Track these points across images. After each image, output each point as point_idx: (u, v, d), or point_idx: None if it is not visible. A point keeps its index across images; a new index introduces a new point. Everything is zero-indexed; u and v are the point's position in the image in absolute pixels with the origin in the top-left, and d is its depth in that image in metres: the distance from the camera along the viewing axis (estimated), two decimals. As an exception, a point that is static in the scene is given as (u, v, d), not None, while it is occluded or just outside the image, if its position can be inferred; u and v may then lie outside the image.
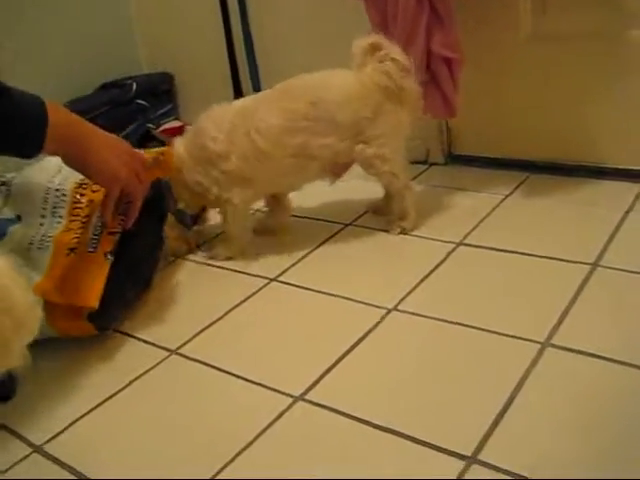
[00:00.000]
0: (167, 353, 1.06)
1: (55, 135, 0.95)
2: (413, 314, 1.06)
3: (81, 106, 1.93)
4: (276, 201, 1.42)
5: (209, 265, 1.33)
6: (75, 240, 1.09)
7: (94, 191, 1.14)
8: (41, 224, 1.12)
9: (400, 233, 1.32)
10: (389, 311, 1.08)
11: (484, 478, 0.75)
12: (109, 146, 1.05)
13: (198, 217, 1.43)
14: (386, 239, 1.32)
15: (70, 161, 1.02)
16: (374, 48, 1.23)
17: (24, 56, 1.89)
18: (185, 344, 1.07)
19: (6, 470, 0.87)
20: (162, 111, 2.04)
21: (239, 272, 1.28)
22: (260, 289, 1.21)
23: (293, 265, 1.27)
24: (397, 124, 1.27)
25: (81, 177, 1.13)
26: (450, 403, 0.87)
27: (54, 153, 1.00)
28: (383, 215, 1.39)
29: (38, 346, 0.72)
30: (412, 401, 0.89)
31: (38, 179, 1.17)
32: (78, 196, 1.14)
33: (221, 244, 1.35)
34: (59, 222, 1.12)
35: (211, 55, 1.97)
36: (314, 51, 1.73)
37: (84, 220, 1.11)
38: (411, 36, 1.33)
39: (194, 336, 1.09)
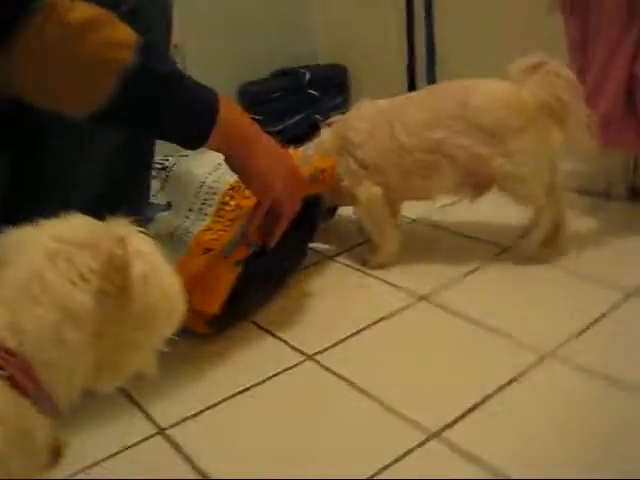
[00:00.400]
0: (302, 357, 1.02)
1: (222, 131, 0.92)
2: (575, 365, 0.95)
3: (254, 89, 1.98)
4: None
5: (358, 270, 1.28)
6: (213, 241, 1.08)
7: (245, 197, 1.12)
8: (187, 217, 1.13)
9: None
10: (545, 356, 0.97)
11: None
12: (272, 156, 1.01)
13: (331, 212, 1.40)
14: (546, 272, 1.20)
15: (230, 160, 0.99)
16: (536, 66, 1.16)
17: (200, 35, 1.92)
18: (322, 352, 1.03)
19: (130, 446, 0.87)
20: (333, 103, 2.02)
21: (388, 283, 1.22)
22: (408, 307, 1.14)
23: (445, 286, 1.18)
24: (547, 143, 1.17)
25: (236, 179, 1.11)
26: None
27: (217, 149, 0.97)
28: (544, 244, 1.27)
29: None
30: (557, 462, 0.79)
31: (195, 172, 1.18)
32: (228, 198, 1.13)
33: (370, 250, 1.30)
34: (203, 220, 1.11)
35: (388, 50, 1.94)
36: (495, 58, 1.63)
37: (227, 223, 1.10)
38: (613, 55, 1.21)
39: (332, 345, 1.05)
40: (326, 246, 1.37)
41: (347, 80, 2.09)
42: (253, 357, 1.04)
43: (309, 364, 1.00)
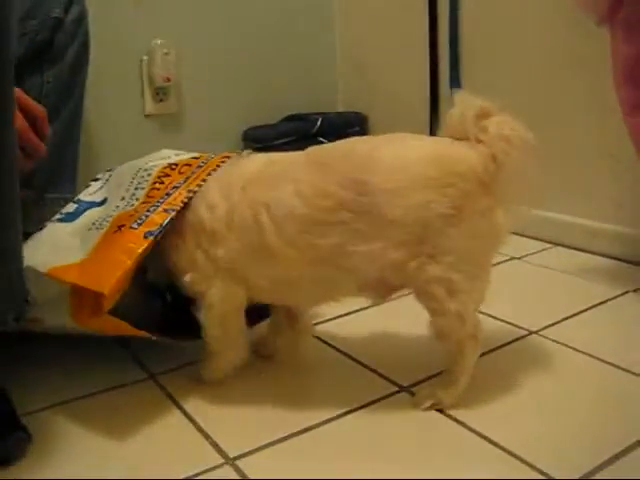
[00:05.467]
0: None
1: None
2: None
3: (258, 133, 1.85)
4: (289, 312, 0.98)
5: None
6: (129, 217, 0.87)
7: (181, 172, 0.92)
8: (117, 206, 0.93)
9: (431, 408, 0.85)
10: None
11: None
12: None
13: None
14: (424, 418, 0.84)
15: None
16: (483, 115, 0.81)
17: (203, 72, 1.82)
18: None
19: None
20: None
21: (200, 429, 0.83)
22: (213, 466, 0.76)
23: (295, 435, 0.81)
24: (491, 233, 0.82)
25: (181, 159, 0.95)
26: None
27: None
28: None
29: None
30: None
31: (139, 162, 0.99)
32: (162, 176, 0.93)
33: (204, 360, 0.92)
34: (132, 205, 0.90)
35: (411, 101, 1.80)
36: (536, 111, 1.52)
37: (154, 203, 0.89)
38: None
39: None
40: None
41: (366, 129, 1.95)
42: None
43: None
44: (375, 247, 0.78)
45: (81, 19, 1.28)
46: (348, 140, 0.86)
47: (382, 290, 0.87)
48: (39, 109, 0.97)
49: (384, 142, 0.83)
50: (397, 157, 0.80)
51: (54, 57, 1.25)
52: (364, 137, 0.88)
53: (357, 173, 0.78)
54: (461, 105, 0.83)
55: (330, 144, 0.88)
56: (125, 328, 0.83)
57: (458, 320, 0.81)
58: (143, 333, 0.85)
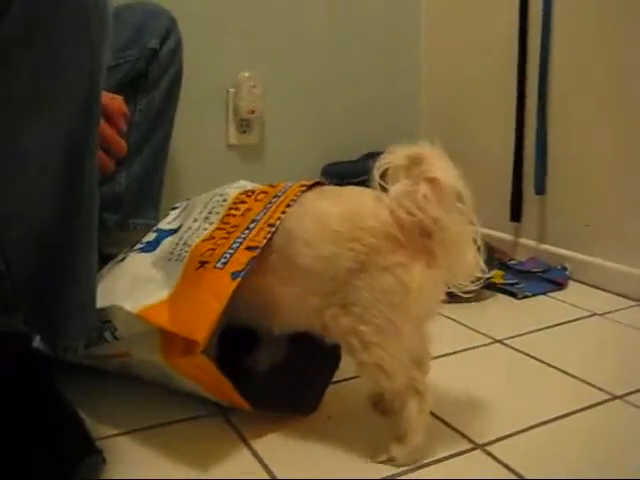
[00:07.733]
0: None
1: None
2: None
3: (335, 170, 1.87)
4: None
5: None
6: (209, 252, 0.86)
7: (258, 200, 0.91)
8: (189, 228, 0.93)
9: (386, 462, 0.82)
10: None
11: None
12: None
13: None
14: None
15: None
16: (413, 162, 0.81)
17: (297, 107, 1.83)
18: None
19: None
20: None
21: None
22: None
23: None
24: (397, 289, 0.79)
25: (257, 186, 0.95)
26: None
27: None
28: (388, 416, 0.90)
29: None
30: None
31: (215, 190, 1.00)
32: (238, 202, 0.93)
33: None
34: (206, 228, 0.91)
35: (496, 150, 1.78)
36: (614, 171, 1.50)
37: (231, 230, 0.88)
38: None
39: None
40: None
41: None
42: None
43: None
44: (293, 291, 0.84)
45: (176, 49, 1.32)
46: (325, 189, 0.91)
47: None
48: (115, 105, 0.98)
49: (329, 195, 0.88)
50: (320, 210, 0.84)
51: (148, 86, 1.29)
52: (330, 188, 0.92)
53: (293, 221, 0.85)
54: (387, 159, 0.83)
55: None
56: (212, 371, 0.81)
57: (381, 373, 0.81)
58: (226, 382, 0.83)
